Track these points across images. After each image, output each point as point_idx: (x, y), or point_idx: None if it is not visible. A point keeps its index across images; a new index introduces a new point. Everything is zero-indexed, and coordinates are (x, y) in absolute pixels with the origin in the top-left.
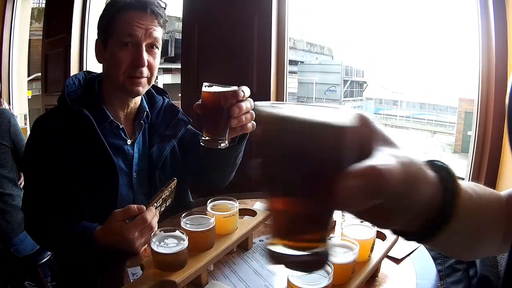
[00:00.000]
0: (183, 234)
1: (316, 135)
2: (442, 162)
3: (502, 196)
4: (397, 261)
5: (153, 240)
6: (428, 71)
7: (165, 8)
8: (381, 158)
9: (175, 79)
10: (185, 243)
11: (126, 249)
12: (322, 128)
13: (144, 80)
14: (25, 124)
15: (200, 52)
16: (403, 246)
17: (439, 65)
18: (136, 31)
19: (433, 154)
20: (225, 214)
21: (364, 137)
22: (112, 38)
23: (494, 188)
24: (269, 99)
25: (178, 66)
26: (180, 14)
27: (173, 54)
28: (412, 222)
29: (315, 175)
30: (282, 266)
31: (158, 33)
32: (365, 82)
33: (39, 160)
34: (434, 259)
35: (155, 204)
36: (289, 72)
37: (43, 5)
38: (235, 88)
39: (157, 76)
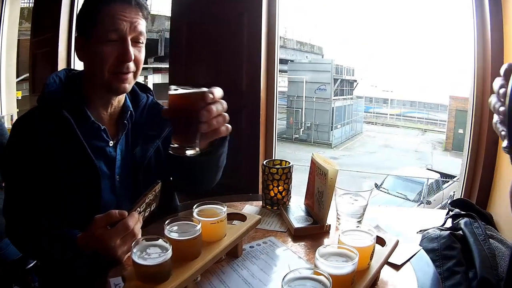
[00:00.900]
0: (167, 243)
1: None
2: None
3: None
4: (397, 267)
5: (134, 250)
6: (418, 70)
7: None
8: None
9: (165, 78)
10: (168, 254)
11: (108, 258)
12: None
13: (130, 76)
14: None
15: (189, 50)
16: (403, 251)
17: (429, 63)
18: (121, 25)
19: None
20: (212, 220)
21: None
22: (94, 33)
23: (490, 187)
24: (259, 98)
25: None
26: (169, 13)
27: (163, 54)
28: None
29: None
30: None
31: (143, 26)
32: (355, 81)
33: (24, 161)
34: (432, 261)
35: (138, 209)
36: (279, 71)
37: None
38: (204, 89)
39: (146, 76)
